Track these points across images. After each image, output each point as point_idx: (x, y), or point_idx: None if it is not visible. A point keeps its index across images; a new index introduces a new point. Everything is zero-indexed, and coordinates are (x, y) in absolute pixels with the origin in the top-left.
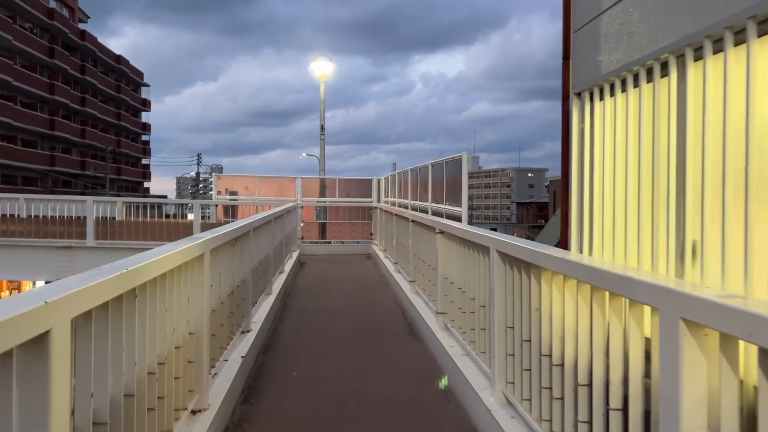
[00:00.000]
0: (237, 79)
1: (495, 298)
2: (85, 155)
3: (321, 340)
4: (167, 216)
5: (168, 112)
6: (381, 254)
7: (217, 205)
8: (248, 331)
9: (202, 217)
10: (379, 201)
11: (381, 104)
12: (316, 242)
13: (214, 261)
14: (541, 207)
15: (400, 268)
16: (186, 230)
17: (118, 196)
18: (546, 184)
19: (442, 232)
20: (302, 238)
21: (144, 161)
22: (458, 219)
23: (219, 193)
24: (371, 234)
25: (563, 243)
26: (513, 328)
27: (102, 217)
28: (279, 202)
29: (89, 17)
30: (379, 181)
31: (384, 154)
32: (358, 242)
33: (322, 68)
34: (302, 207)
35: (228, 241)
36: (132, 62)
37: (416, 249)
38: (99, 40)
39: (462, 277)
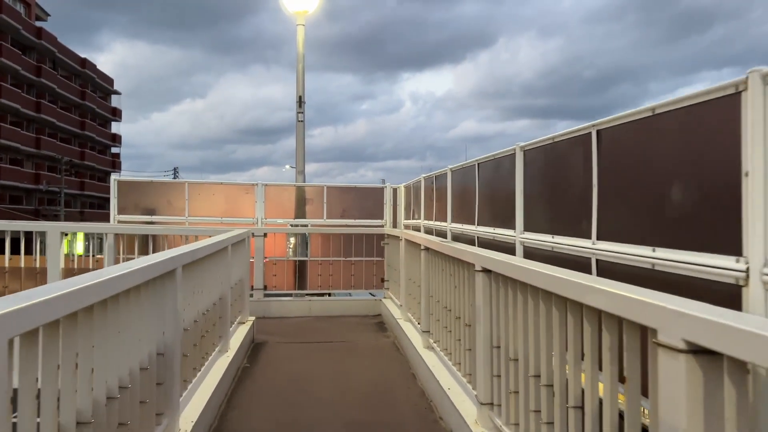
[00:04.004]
0: (225, 96)
1: None
2: (40, 167)
3: None
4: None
5: (155, 128)
6: (409, 329)
7: (117, 236)
8: None
9: (71, 257)
10: (395, 224)
11: (369, 122)
12: (290, 296)
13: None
14: None
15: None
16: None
17: (81, 213)
18: None
19: None
20: (265, 288)
21: (114, 176)
22: None
23: (123, 211)
24: (383, 280)
25: None
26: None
27: None
28: (225, 226)
29: (49, 15)
30: (395, 191)
31: (372, 172)
32: (371, 294)
33: (299, 2)
34: (265, 235)
35: None
36: (120, 79)
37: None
38: (86, 57)
39: None
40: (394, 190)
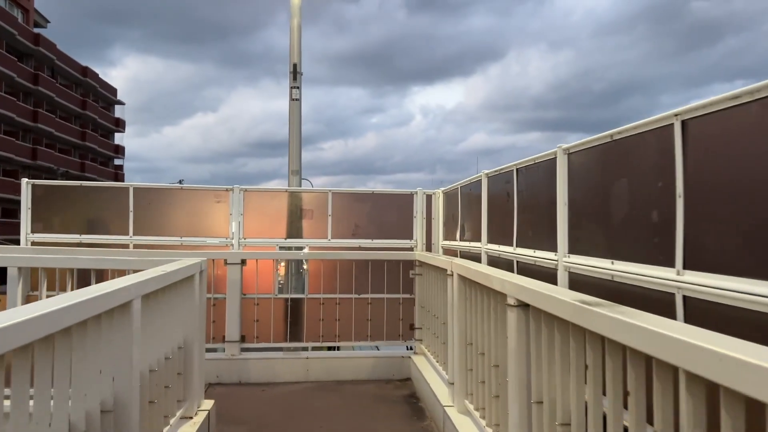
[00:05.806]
0: (236, 109)
1: None
2: (36, 179)
3: None
4: None
5: (167, 142)
6: (468, 423)
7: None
8: None
9: None
10: (429, 247)
11: (379, 135)
12: (280, 352)
13: None
14: None
15: None
16: None
17: None
18: None
19: None
20: (242, 339)
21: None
22: None
23: (42, 228)
24: (412, 327)
25: None
26: None
27: None
28: (187, 250)
29: (49, 21)
30: (429, 198)
31: (381, 185)
32: (408, 347)
33: None
34: (243, 262)
35: None
36: (132, 93)
37: None
38: (97, 70)
39: None
40: (428, 198)
